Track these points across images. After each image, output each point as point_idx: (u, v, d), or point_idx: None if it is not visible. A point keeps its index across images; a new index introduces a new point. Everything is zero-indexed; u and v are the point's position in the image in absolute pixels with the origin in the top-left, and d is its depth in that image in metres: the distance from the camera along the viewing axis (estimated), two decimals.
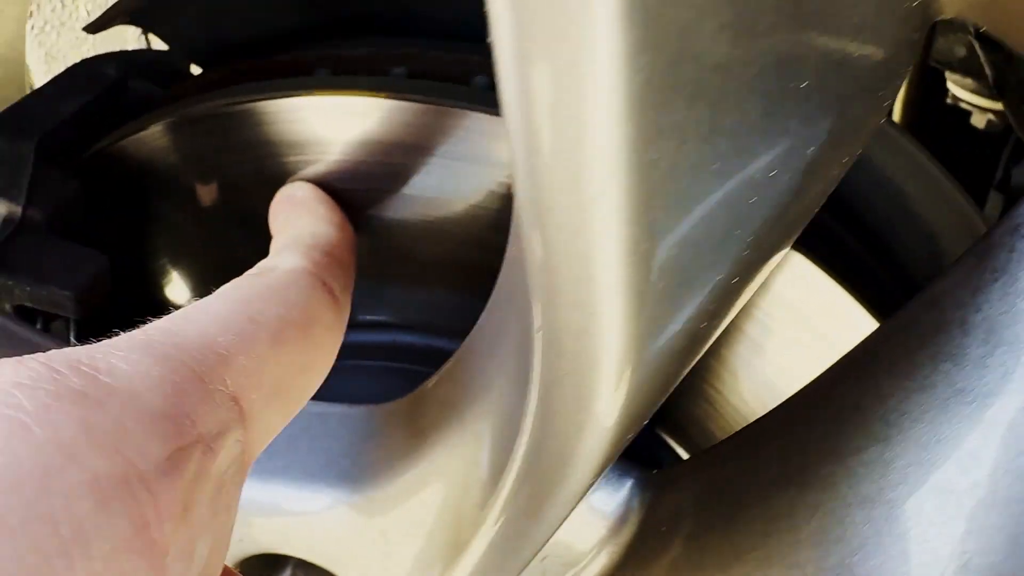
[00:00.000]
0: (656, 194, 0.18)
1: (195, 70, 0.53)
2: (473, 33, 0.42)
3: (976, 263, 0.23)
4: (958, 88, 0.85)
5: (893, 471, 0.23)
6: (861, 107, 0.23)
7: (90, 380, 0.21)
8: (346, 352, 0.33)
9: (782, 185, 0.20)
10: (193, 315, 0.25)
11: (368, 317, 0.45)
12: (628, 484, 0.35)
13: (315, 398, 0.30)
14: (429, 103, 0.36)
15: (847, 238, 0.37)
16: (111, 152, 0.45)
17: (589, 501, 0.35)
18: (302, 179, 0.39)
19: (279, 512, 0.37)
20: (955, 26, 0.75)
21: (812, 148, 0.21)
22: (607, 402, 0.22)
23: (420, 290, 0.43)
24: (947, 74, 0.85)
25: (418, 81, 0.39)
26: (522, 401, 0.28)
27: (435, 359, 0.36)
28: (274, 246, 0.35)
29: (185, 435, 0.21)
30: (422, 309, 0.44)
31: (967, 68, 0.81)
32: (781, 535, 0.28)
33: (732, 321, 0.25)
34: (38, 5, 1.22)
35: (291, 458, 0.37)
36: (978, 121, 0.87)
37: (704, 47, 0.17)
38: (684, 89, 0.17)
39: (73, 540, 0.18)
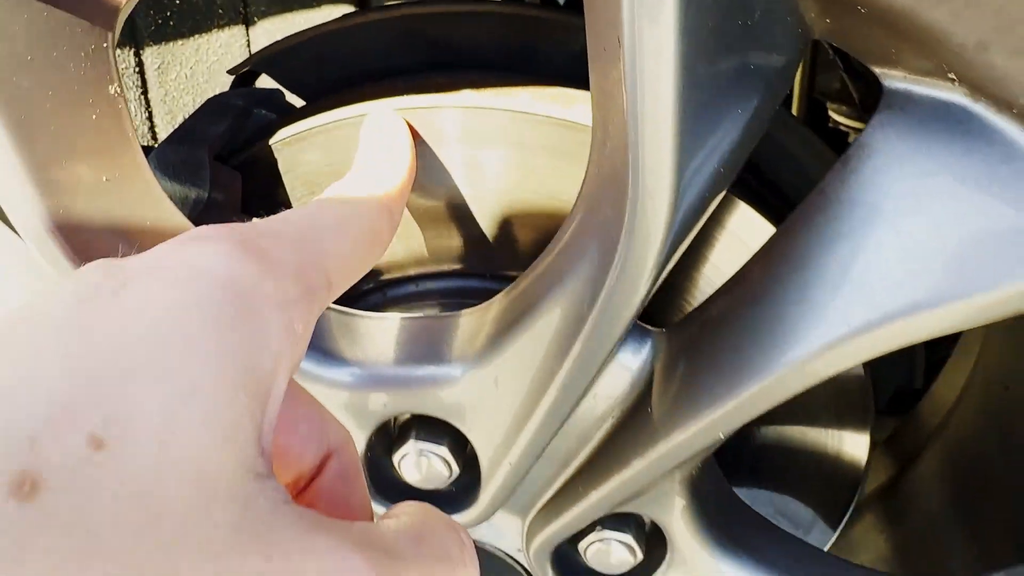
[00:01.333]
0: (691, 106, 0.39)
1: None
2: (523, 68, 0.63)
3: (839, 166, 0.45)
4: (836, 114, 1.10)
5: (808, 285, 0.44)
6: (773, 88, 0.44)
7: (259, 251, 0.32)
8: None
9: (743, 121, 0.41)
10: (306, 220, 0.38)
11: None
12: (648, 344, 0.54)
13: None
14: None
15: (764, 191, 0.59)
16: (251, 158, 0.64)
17: (619, 360, 0.55)
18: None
19: (418, 386, 0.56)
20: (831, 64, 0.99)
21: (754, 102, 0.42)
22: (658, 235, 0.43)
23: None
24: (828, 104, 1.10)
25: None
26: (597, 285, 0.47)
27: None
28: (359, 159, 0.51)
29: (305, 283, 0.34)
30: None
31: (842, 97, 1.06)
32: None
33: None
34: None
35: (429, 348, 0.56)
36: (854, 139, 1.15)
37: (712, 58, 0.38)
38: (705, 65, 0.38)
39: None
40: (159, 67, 1.48)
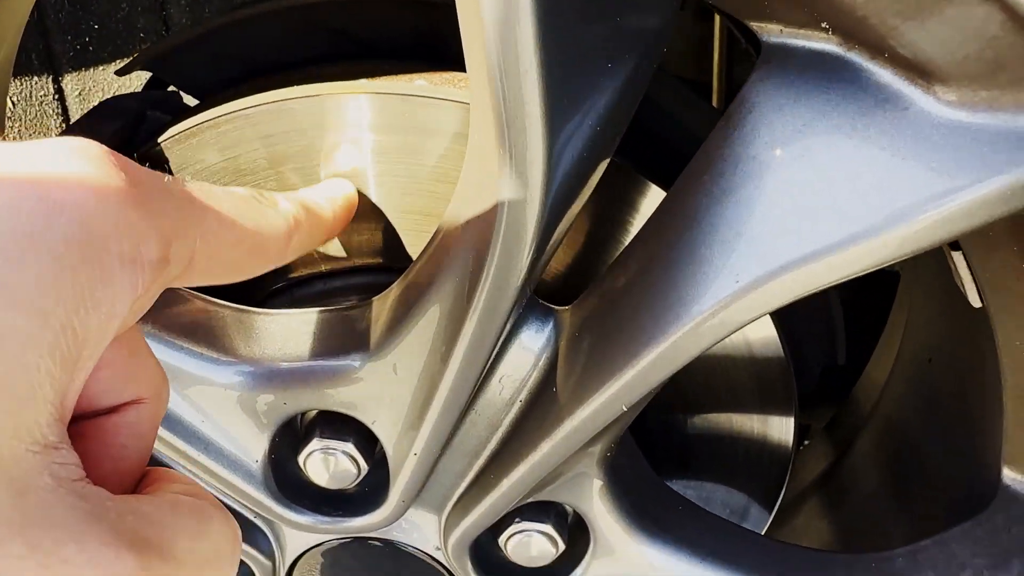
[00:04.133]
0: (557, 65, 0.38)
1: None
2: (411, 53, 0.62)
3: (722, 123, 0.44)
4: None
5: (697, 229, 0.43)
6: (649, 49, 0.43)
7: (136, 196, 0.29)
8: None
9: (619, 81, 0.41)
10: (202, 194, 0.35)
11: None
12: (551, 323, 0.53)
13: None
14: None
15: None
16: (142, 158, 0.62)
17: (522, 340, 0.53)
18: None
19: (317, 381, 0.54)
20: (747, 55, 1.00)
21: (630, 63, 0.41)
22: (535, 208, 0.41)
23: None
24: None
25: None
26: (481, 257, 0.46)
27: None
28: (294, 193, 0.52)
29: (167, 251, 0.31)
30: None
31: None
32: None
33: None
34: None
35: (327, 341, 0.54)
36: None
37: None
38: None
39: None
40: (80, 93, 1.45)
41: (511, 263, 0.44)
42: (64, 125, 1.44)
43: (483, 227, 0.44)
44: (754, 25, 0.45)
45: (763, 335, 0.66)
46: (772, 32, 0.44)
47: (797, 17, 0.43)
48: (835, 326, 0.75)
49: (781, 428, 0.72)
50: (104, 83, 1.46)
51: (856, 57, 0.42)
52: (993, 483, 0.61)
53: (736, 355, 0.68)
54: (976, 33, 0.37)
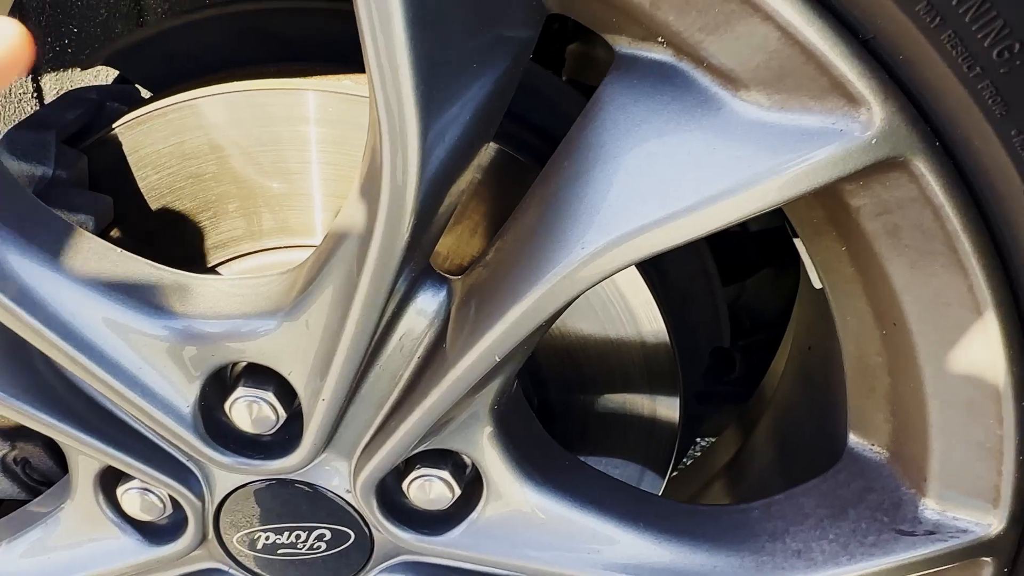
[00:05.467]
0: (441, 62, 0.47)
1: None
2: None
3: (580, 118, 0.53)
4: None
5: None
6: (517, 54, 0.52)
7: None
8: None
9: (490, 79, 0.50)
10: None
11: None
12: (444, 289, 0.62)
13: None
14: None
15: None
16: (99, 142, 0.70)
17: (418, 305, 0.61)
18: None
19: (241, 336, 0.62)
20: None
21: (500, 65, 0.50)
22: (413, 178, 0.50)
23: None
24: None
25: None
26: (371, 227, 0.54)
27: None
28: None
29: None
30: None
31: None
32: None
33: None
34: None
35: (251, 302, 0.62)
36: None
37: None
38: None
39: None
40: (58, 92, 1.52)
41: (395, 231, 0.53)
42: None
43: (372, 202, 0.53)
44: (607, 37, 0.54)
45: (652, 326, 0.75)
46: (622, 43, 0.53)
47: (638, 31, 0.52)
48: (719, 312, 0.84)
49: (668, 406, 0.80)
50: (81, 82, 1.54)
51: (685, 66, 0.51)
52: (840, 446, 0.70)
53: (628, 341, 0.76)
54: (761, 47, 0.46)
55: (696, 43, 0.48)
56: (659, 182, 0.51)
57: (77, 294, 0.60)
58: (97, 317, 0.61)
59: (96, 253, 0.62)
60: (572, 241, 0.52)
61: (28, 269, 0.59)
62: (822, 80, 0.47)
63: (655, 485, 0.85)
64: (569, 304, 0.55)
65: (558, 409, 0.81)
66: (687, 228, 0.50)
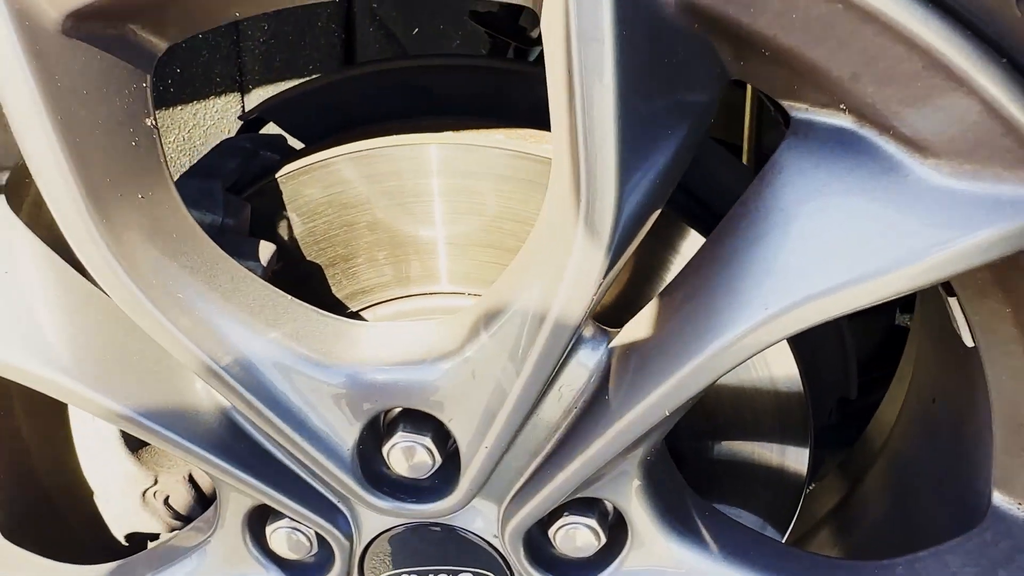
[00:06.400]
0: (637, 129, 0.49)
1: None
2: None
3: (757, 181, 0.54)
4: None
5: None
6: (700, 118, 0.54)
7: None
8: None
9: (674, 144, 0.51)
10: None
11: None
12: (604, 342, 0.63)
13: None
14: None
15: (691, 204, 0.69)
16: (260, 191, 0.73)
17: (580, 358, 0.63)
18: None
19: (405, 384, 0.64)
20: (776, 122, 1.10)
21: (683, 129, 0.52)
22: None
23: None
24: None
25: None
26: (554, 287, 0.56)
27: None
28: None
29: None
30: None
31: None
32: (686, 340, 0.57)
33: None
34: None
35: (411, 352, 0.64)
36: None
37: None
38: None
39: None
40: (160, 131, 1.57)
41: (579, 294, 0.54)
42: None
43: (557, 261, 0.54)
44: (784, 103, 0.55)
45: (786, 371, 0.76)
46: (799, 109, 0.54)
47: (820, 98, 0.53)
48: (848, 364, 0.84)
49: (797, 457, 0.81)
50: (180, 121, 1.60)
51: (867, 132, 0.52)
52: (984, 504, 0.70)
53: (761, 388, 0.77)
54: (960, 119, 0.48)
55: (891, 113, 0.49)
56: (844, 246, 0.52)
57: (250, 338, 0.63)
58: (268, 361, 0.63)
59: (269, 300, 0.64)
60: (755, 302, 0.54)
61: (210, 314, 0.61)
62: (1020, 152, 0.48)
63: (777, 537, 0.85)
64: (744, 362, 0.56)
65: (688, 455, 0.81)
66: (874, 292, 0.51)
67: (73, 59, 0.53)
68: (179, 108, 1.57)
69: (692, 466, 0.81)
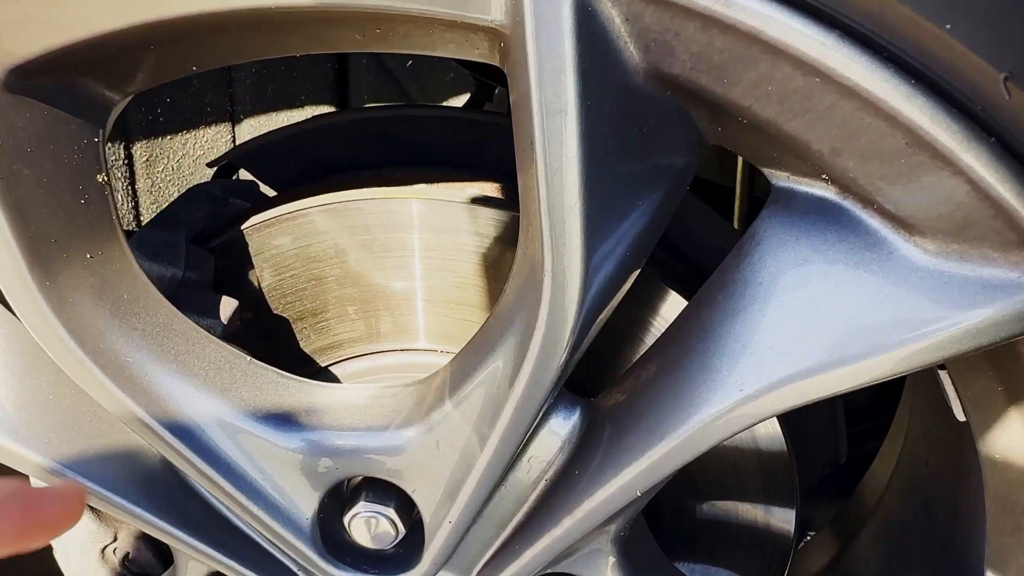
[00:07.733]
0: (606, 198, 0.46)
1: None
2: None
3: (735, 250, 0.51)
4: None
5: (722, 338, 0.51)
6: (675, 184, 0.51)
7: None
8: None
9: (647, 211, 0.48)
10: None
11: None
12: (577, 411, 0.60)
13: None
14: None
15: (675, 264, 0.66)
16: (230, 239, 0.70)
17: (550, 426, 0.60)
18: None
19: (368, 452, 0.61)
20: None
21: (657, 196, 0.49)
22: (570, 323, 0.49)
23: None
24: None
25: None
26: (522, 353, 0.53)
27: None
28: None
29: None
30: None
31: None
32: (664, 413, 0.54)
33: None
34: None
35: (373, 417, 0.61)
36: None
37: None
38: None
39: None
40: (147, 160, 1.56)
41: (548, 362, 0.51)
42: (131, 188, 1.55)
43: (525, 328, 0.52)
44: (766, 170, 0.52)
45: (769, 432, 0.73)
46: (781, 177, 0.52)
47: (801, 167, 0.50)
48: (838, 427, 0.81)
49: (783, 519, 0.77)
50: (170, 151, 1.57)
51: (850, 205, 0.49)
52: None
53: (744, 448, 0.74)
54: (947, 199, 0.45)
55: (874, 189, 0.47)
56: (824, 326, 0.49)
57: (204, 402, 0.60)
58: (222, 426, 0.60)
59: (226, 362, 0.61)
60: (730, 382, 0.51)
61: (162, 379, 0.59)
62: (1010, 234, 0.45)
63: None
64: (721, 443, 0.53)
65: (667, 513, 0.78)
66: (855, 376, 0.48)
67: (17, 115, 0.50)
68: (169, 137, 1.55)
69: (673, 528, 0.78)
